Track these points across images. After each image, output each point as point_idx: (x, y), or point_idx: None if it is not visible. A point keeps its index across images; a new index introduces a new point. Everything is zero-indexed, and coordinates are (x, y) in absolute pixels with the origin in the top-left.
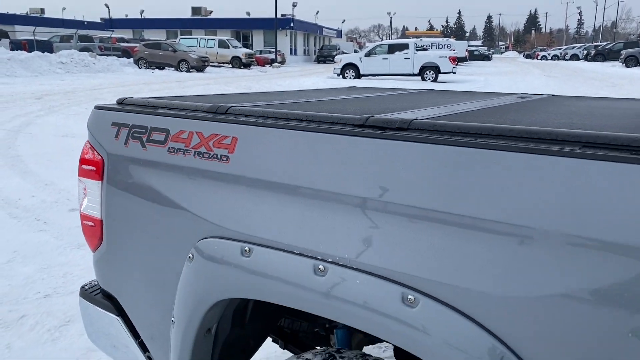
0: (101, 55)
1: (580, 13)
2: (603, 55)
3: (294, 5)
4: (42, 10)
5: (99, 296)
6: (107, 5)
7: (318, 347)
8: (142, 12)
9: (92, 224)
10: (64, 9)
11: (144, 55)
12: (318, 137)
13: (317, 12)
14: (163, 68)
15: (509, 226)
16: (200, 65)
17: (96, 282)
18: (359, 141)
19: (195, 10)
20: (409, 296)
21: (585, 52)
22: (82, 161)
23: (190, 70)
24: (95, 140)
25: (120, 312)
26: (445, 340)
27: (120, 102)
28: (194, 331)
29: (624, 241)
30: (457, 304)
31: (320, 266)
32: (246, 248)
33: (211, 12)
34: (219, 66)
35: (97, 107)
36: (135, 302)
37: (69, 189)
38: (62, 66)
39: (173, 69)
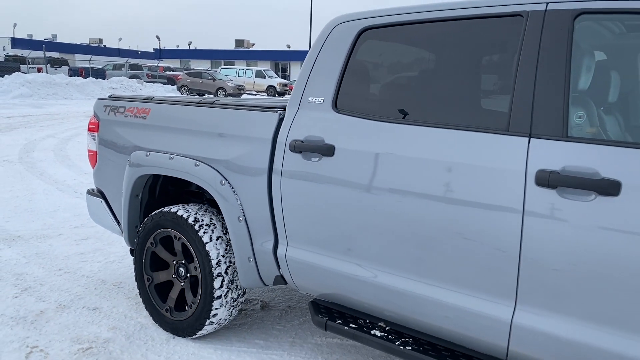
0: (148, 82)
1: None
2: None
3: None
4: (100, 41)
5: (95, 191)
6: (157, 37)
7: None
8: (189, 43)
9: (92, 154)
10: (120, 39)
11: (186, 82)
12: (179, 107)
13: None
14: (203, 95)
15: (236, 136)
16: (237, 92)
17: (94, 187)
18: (194, 109)
19: (239, 42)
20: (197, 163)
21: None
22: (90, 123)
23: (227, 97)
24: (96, 113)
25: (104, 198)
26: (205, 177)
27: (110, 96)
28: (129, 195)
29: (254, 135)
30: (210, 163)
31: (171, 157)
32: (148, 153)
33: (253, 44)
34: (256, 94)
35: (99, 99)
36: (110, 190)
37: None
38: (112, 91)
39: (212, 95)
